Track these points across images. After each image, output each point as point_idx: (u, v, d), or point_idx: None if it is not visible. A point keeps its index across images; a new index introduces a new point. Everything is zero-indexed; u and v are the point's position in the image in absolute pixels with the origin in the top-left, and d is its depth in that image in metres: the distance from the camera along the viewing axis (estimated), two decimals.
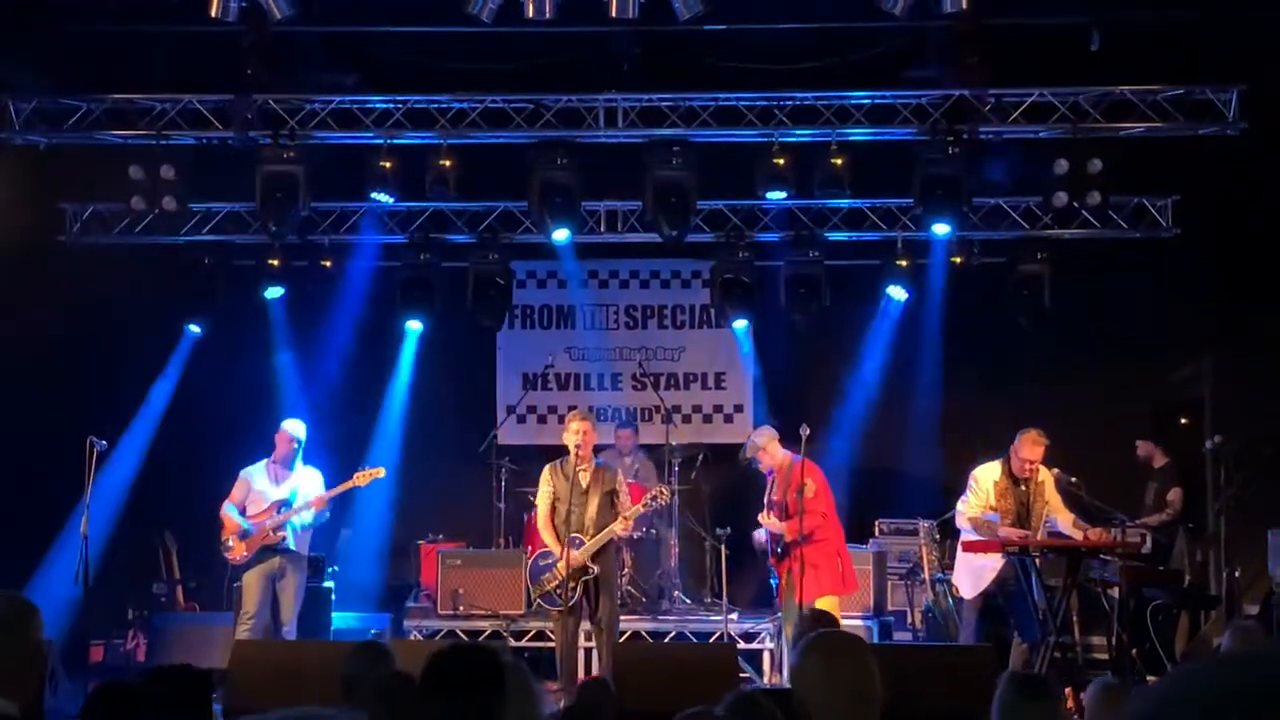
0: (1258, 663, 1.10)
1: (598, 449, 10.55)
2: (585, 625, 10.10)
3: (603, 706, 5.98)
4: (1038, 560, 9.37)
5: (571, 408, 13.43)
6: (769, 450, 10.21)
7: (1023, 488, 9.75)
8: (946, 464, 13.19)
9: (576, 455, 9.80)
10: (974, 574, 9.80)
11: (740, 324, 13.47)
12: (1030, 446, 9.69)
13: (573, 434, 9.82)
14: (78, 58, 11.41)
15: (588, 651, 10.59)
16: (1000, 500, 9.71)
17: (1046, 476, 9.80)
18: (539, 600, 10.13)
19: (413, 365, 13.73)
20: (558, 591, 9.75)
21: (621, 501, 9.86)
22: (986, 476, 9.81)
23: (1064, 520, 9.79)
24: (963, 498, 9.93)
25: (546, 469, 10.03)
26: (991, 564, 9.65)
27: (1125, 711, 1.16)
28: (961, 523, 9.92)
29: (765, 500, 10.25)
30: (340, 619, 11.96)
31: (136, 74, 11.64)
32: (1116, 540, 9.69)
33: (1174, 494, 12.23)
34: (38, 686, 8.21)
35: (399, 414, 13.70)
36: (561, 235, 12.35)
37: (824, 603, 9.78)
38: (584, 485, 9.83)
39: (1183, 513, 12.13)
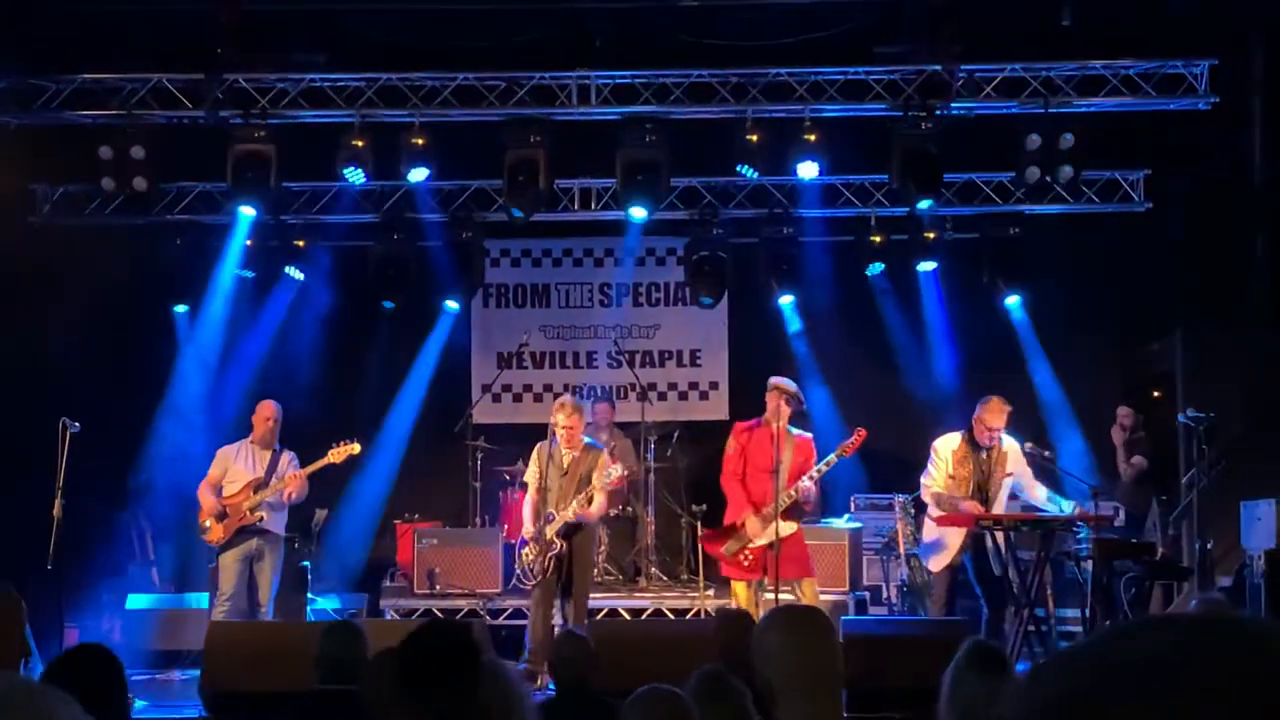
0: (1155, 630, 1.09)
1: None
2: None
3: (584, 660, 5.98)
4: (1001, 535, 9.41)
5: (547, 386, 13.49)
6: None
7: (983, 455, 9.77)
8: (921, 439, 13.20)
9: (563, 440, 9.91)
10: (938, 548, 9.83)
11: (707, 300, 13.47)
12: (995, 413, 9.70)
13: (557, 422, 9.90)
14: (46, 37, 11.32)
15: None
16: (959, 468, 9.73)
17: (1011, 447, 9.82)
18: (517, 572, 10.26)
19: (387, 344, 13.72)
20: (531, 566, 9.87)
21: (595, 481, 9.88)
22: (945, 446, 9.84)
23: (1039, 495, 9.82)
24: (925, 471, 9.94)
25: (537, 446, 10.15)
26: (956, 537, 9.69)
27: (1028, 682, 1.13)
28: (926, 497, 9.94)
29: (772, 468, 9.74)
30: (317, 599, 11.95)
31: (106, 53, 11.55)
32: (1089, 513, 9.73)
33: (1137, 459, 12.37)
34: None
35: (374, 394, 13.67)
36: (517, 215, 12.32)
37: (808, 584, 9.79)
38: (564, 468, 9.94)
39: (1139, 476, 12.27)
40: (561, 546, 9.79)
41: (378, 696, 4.28)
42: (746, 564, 9.71)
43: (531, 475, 10.12)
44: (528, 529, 9.94)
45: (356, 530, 13.13)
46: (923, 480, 9.96)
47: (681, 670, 4.17)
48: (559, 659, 6.08)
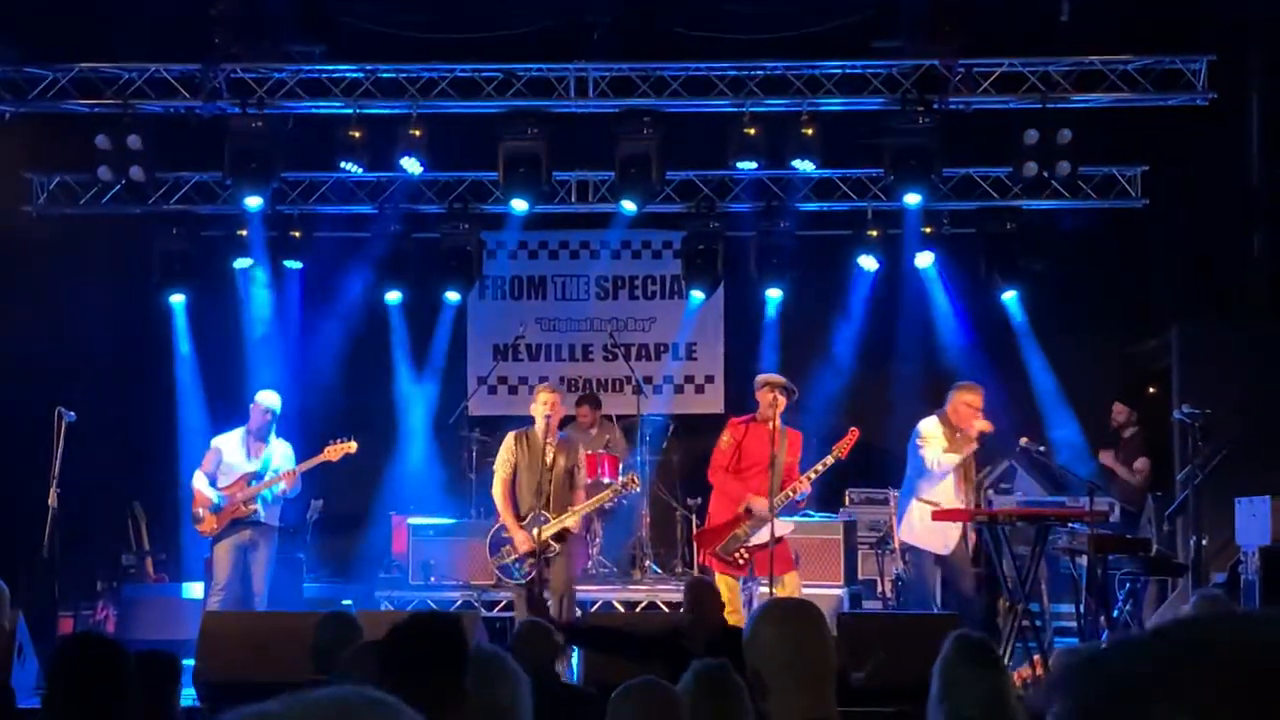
0: (1194, 627, 1.10)
1: (564, 422, 10.50)
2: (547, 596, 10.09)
3: (549, 648, 6.02)
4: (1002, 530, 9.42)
5: (542, 378, 13.40)
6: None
7: (957, 437, 9.80)
8: None
9: (546, 427, 9.69)
10: (942, 532, 9.75)
11: (697, 295, 13.45)
12: (977, 394, 9.75)
13: (541, 405, 9.68)
14: (43, 26, 11.31)
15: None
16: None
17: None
18: (496, 571, 9.92)
19: (384, 335, 13.70)
20: (515, 565, 9.70)
21: (577, 478, 9.79)
22: (934, 428, 9.82)
23: None
24: (920, 453, 9.83)
25: (510, 436, 9.85)
26: (952, 526, 9.72)
27: (1052, 671, 1.15)
28: (937, 469, 9.75)
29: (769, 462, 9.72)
30: (312, 590, 11.95)
31: (103, 43, 11.55)
32: (1084, 508, 9.75)
33: (1141, 463, 12.32)
34: (4, 659, 8.18)
35: (370, 385, 13.65)
36: (520, 205, 12.32)
37: (792, 578, 9.78)
38: (550, 459, 9.64)
39: (1150, 479, 12.22)
40: (556, 549, 9.62)
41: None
42: (743, 563, 9.68)
43: (504, 466, 9.69)
44: (518, 537, 9.51)
45: (352, 521, 13.11)
46: (927, 461, 9.80)
47: (679, 664, 4.18)
48: (522, 646, 6.08)
